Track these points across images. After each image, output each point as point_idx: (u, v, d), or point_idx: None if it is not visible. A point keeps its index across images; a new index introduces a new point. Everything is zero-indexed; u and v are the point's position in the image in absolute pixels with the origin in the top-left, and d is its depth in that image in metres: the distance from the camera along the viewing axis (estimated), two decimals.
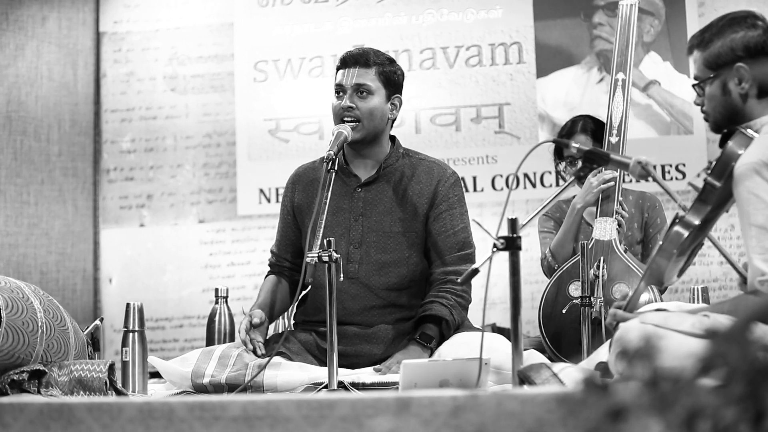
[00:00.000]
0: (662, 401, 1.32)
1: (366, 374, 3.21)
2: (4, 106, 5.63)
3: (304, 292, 3.52)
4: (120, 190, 5.92)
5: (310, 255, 2.93)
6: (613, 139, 4.01)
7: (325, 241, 2.93)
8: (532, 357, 3.12)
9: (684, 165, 5.40)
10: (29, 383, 3.02)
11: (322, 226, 3.02)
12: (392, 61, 3.49)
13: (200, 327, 5.52)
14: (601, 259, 3.81)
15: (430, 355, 3.26)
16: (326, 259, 2.91)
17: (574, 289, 3.83)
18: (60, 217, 5.78)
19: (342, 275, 2.97)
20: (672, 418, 1.31)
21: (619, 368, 2.47)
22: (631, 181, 4.39)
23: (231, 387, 3.16)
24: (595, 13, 5.58)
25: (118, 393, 3.08)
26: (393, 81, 3.45)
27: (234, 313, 3.89)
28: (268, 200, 5.73)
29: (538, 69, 5.59)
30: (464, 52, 5.68)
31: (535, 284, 5.10)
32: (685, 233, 2.62)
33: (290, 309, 3.54)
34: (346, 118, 3.38)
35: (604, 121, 4.08)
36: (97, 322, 3.55)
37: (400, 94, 3.49)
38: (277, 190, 5.72)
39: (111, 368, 3.08)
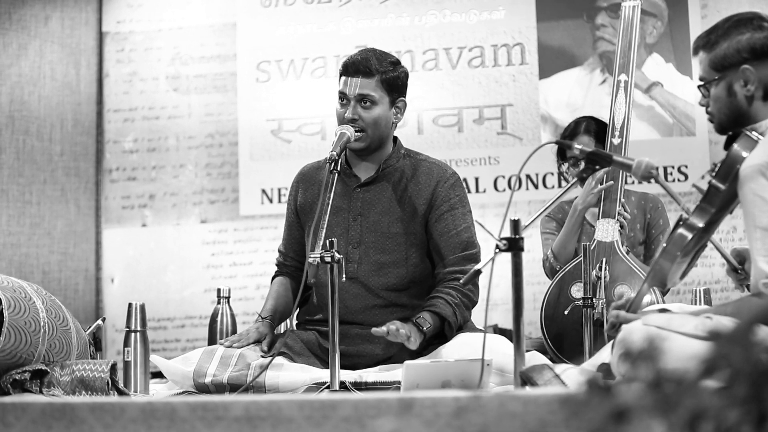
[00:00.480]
0: (665, 403, 1.32)
1: (368, 372, 3.21)
2: (7, 105, 5.63)
3: (306, 293, 3.52)
4: (122, 190, 5.92)
5: (312, 255, 2.93)
6: (616, 141, 4.01)
7: (327, 241, 2.94)
8: (534, 358, 3.12)
9: (686, 167, 5.40)
10: (31, 383, 3.02)
11: (325, 226, 3.02)
12: (395, 64, 3.44)
13: (202, 327, 5.52)
14: (603, 260, 3.81)
15: (424, 338, 3.22)
16: (328, 259, 2.91)
17: (576, 291, 3.83)
18: (62, 217, 5.78)
19: (344, 276, 2.97)
20: (675, 419, 1.31)
21: (621, 369, 2.47)
22: (633, 182, 4.39)
23: (233, 387, 3.15)
24: (598, 15, 5.58)
25: (120, 393, 3.07)
26: (396, 86, 3.41)
27: (236, 313, 3.89)
28: (271, 201, 5.73)
29: (541, 70, 5.59)
30: (467, 53, 5.68)
31: (537, 285, 5.10)
32: (689, 236, 2.62)
33: (293, 309, 3.54)
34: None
35: (607, 122, 4.08)
36: (99, 321, 3.55)
37: (405, 97, 3.47)
38: (279, 190, 5.72)
39: (113, 368, 3.08)
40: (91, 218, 5.91)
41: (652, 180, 2.75)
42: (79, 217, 5.85)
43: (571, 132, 4.18)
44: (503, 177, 5.56)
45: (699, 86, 2.75)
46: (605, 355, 2.74)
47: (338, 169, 3.18)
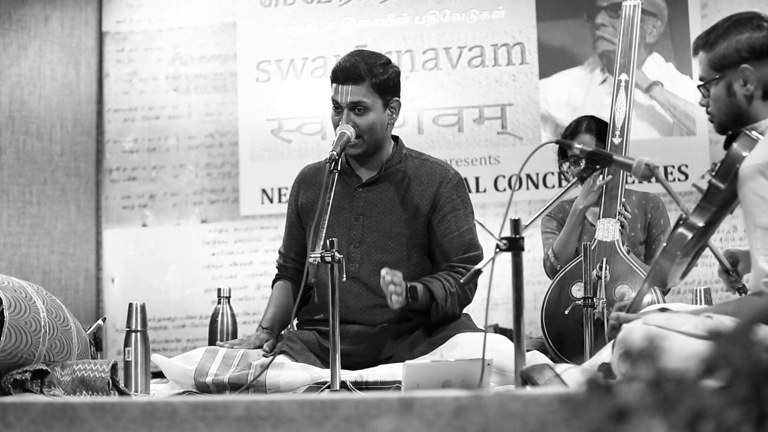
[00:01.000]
0: (665, 402, 1.32)
1: (369, 372, 3.21)
2: (7, 105, 5.63)
3: (307, 293, 3.53)
4: (122, 190, 5.92)
5: (312, 255, 2.93)
6: (616, 140, 4.01)
7: (327, 241, 2.94)
8: (535, 358, 3.12)
9: (686, 166, 5.40)
10: (32, 383, 3.02)
11: (325, 226, 3.02)
12: (385, 65, 3.41)
13: (203, 327, 5.52)
14: (604, 260, 3.81)
15: (407, 305, 3.21)
16: (329, 259, 2.91)
17: (577, 290, 3.83)
18: (62, 217, 5.78)
19: (345, 276, 2.97)
20: (675, 419, 1.31)
21: (622, 369, 2.47)
22: (633, 182, 4.39)
23: (234, 387, 3.16)
24: (598, 14, 5.58)
25: (121, 393, 3.08)
26: (388, 88, 3.39)
27: (236, 313, 3.89)
28: (271, 200, 5.73)
29: (541, 70, 5.59)
30: (467, 52, 5.68)
31: (537, 285, 5.10)
32: (690, 235, 2.62)
33: (293, 309, 3.54)
34: None
35: (608, 122, 4.08)
36: (100, 321, 3.55)
37: (398, 95, 3.46)
38: (279, 190, 5.72)
39: (114, 368, 3.08)
40: (92, 218, 5.91)
41: (653, 179, 2.75)
42: (79, 217, 5.85)
43: (572, 131, 4.18)
44: (503, 176, 5.56)
45: (699, 86, 2.75)
46: (606, 354, 2.74)
47: (338, 168, 3.18)
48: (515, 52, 5.63)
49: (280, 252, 3.64)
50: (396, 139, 3.53)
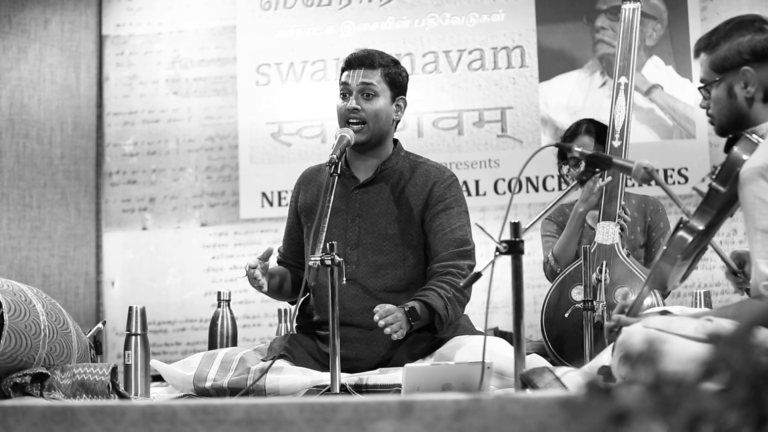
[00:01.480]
0: (665, 405, 1.32)
1: (368, 375, 3.21)
2: (7, 109, 5.63)
3: (305, 296, 3.53)
4: (122, 194, 5.93)
5: (312, 258, 2.93)
6: (616, 143, 4.02)
7: (327, 244, 2.94)
8: (535, 361, 3.12)
9: (686, 169, 5.40)
10: (32, 386, 3.02)
11: (325, 229, 3.03)
12: (397, 63, 3.49)
13: (203, 330, 5.52)
14: (604, 263, 3.81)
15: (411, 328, 3.21)
16: (329, 262, 2.91)
17: (577, 293, 3.83)
18: (62, 220, 5.78)
19: (344, 278, 2.98)
20: (675, 422, 1.31)
21: (622, 372, 2.47)
22: (633, 185, 4.39)
23: (233, 391, 3.16)
24: (598, 17, 5.58)
25: (121, 396, 3.08)
26: (398, 83, 3.45)
27: (236, 316, 3.90)
28: (271, 204, 5.73)
29: (541, 73, 5.60)
30: (467, 55, 5.68)
31: (537, 288, 5.10)
32: (690, 238, 2.62)
33: (293, 312, 3.54)
34: (351, 120, 3.38)
35: (607, 125, 4.09)
36: (100, 325, 3.55)
37: (405, 96, 3.50)
38: (279, 193, 5.72)
39: (114, 371, 3.08)
40: (92, 221, 5.91)
41: (653, 182, 2.76)
42: (79, 221, 5.85)
43: (571, 133, 4.18)
44: (503, 180, 5.56)
45: (699, 88, 2.75)
46: (606, 357, 2.74)
47: (338, 172, 3.18)
48: (515, 56, 5.63)
49: (279, 250, 3.65)
50: (395, 141, 3.54)
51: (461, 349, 3.23)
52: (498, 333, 4.64)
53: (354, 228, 3.42)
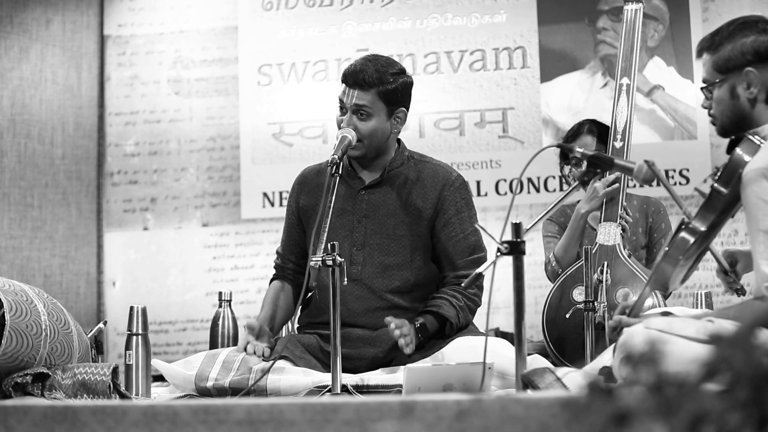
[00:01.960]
0: (667, 406, 1.32)
1: (370, 375, 3.21)
2: (8, 109, 5.63)
3: (308, 296, 3.53)
4: (124, 194, 5.93)
5: (314, 259, 2.93)
6: (618, 144, 4.01)
7: (329, 244, 2.94)
8: (536, 361, 3.12)
9: (688, 170, 5.40)
10: (33, 386, 3.02)
11: (326, 229, 3.02)
12: (396, 74, 3.39)
13: (204, 330, 5.52)
14: (605, 263, 3.81)
15: (418, 342, 3.25)
16: (330, 262, 2.91)
17: (578, 294, 3.82)
18: (64, 221, 5.79)
19: (346, 279, 2.97)
20: (676, 422, 1.31)
21: (623, 373, 2.47)
22: (635, 185, 4.39)
23: (234, 391, 3.15)
24: (600, 18, 5.58)
25: (122, 396, 3.08)
26: (395, 98, 3.38)
27: (237, 316, 3.89)
28: (272, 204, 5.74)
29: (542, 73, 5.59)
30: (468, 56, 5.68)
31: (538, 289, 5.10)
32: (692, 240, 2.62)
33: (294, 313, 3.54)
34: None
35: (609, 125, 4.09)
36: (101, 325, 3.55)
37: (406, 106, 3.45)
38: (281, 194, 5.72)
39: (115, 371, 3.08)
40: (93, 222, 5.91)
41: (654, 183, 2.75)
42: (80, 221, 5.85)
43: (574, 132, 4.19)
44: (505, 180, 5.56)
45: (702, 88, 2.75)
46: (607, 358, 2.74)
47: (339, 172, 3.18)
48: (516, 56, 5.63)
49: (278, 252, 3.63)
50: (398, 142, 3.53)
51: (462, 350, 3.22)
52: (499, 334, 4.65)
53: (360, 229, 3.42)
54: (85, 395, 3.03)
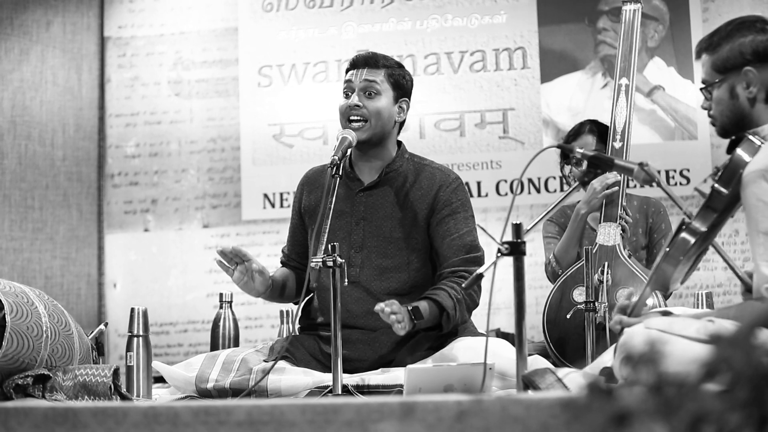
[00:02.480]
0: (667, 406, 1.32)
1: (370, 376, 3.20)
2: (9, 110, 5.64)
3: (308, 297, 3.53)
4: (124, 195, 5.93)
5: (314, 260, 2.93)
6: (617, 144, 4.02)
7: (329, 246, 2.94)
8: (537, 362, 3.12)
9: (688, 170, 5.40)
10: (34, 388, 3.02)
11: (327, 231, 3.03)
12: (401, 66, 3.51)
13: (205, 332, 5.52)
14: (606, 264, 3.81)
15: (413, 327, 3.20)
16: (330, 263, 2.91)
17: (578, 295, 3.82)
18: (64, 222, 5.79)
19: (346, 280, 2.98)
20: (676, 423, 1.31)
21: (623, 373, 2.47)
22: (635, 186, 4.39)
23: (235, 392, 3.16)
24: (599, 19, 5.58)
25: (123, 398, 3.08)
26: (401, 84, 3.46)
27: (238, 318, 3.90)
28: (273, 205, 5.74)
29: (543, 74, 5.60)
30: (468, 57, 5.68)
31: (539, 289, 5.10)
32: (692, 240, 2.62)
33: (294, 314, 3.54)
34: (352, 117, 3.38)
35: (609, 126, 4.09)
36: (102, 326, 3.55)
37: (408, 99, 3.50)
38: (281, 195, 5.72)
39: (115, 373, 3.08)
40: (94, 223, 5.91)
41: (654, 183, 2.76)
42: (81, 222, 5.86)
43: (575, 132, 4.19)
44: (505, 181, 5.56)
45: (701, 89, 2.75)
46: (607, 358, 2.74)
47: (340, 173, 3.18)
48: (517, 57, 5.63)
49: (283, 251, 3.66)
50: (399, 144, 3.54)
51: (463, 350, 3.23)
52: (500, 334, 4.65)
53: (358, 231, 3.42)
54: (85, 397, 3.03)
